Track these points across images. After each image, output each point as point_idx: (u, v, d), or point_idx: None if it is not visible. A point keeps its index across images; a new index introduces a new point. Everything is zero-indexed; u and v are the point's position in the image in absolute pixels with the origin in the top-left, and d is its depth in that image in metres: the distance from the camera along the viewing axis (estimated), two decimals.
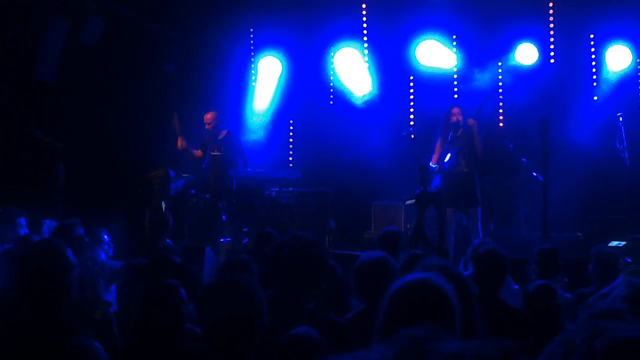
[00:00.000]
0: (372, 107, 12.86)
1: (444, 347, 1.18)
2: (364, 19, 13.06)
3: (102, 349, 3.17)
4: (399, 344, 1.21)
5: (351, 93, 13.10)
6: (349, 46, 13.06)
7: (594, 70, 12.55)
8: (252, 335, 3.08)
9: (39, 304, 3.52)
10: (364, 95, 12.93)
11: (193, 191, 10.62)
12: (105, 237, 7.24)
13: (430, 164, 9.85)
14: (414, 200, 8.18)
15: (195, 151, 11.06)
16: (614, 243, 9.01)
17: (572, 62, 12.56)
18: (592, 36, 12.52)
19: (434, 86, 12.60)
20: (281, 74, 13.32)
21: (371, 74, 12.98)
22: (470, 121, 9.68)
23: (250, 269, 5.03)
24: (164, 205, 9.14)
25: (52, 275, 3.56)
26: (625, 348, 1.21)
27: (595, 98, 12.42)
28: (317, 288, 4.05)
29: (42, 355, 3.32)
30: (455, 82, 12.78)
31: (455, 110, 9.81)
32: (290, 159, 13.44)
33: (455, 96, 12.58)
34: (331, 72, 13.31)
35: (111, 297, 6.56)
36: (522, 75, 12.36)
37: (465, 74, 12.54)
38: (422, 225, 8.05)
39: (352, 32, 13.01)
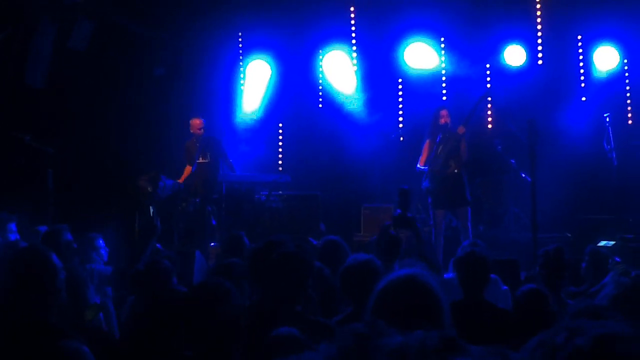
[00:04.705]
0: (361, 109, 12.88)
1: (387, 343, 1.18)
2: (353, 21, 13.07)
3: (90, 353, 3.17)
4: (343, 342, 1.21)
5: (340, 96, 13.12)
6: (337, 49, 13.08)
7: (581, 71, 12.60)
8: (231, 339, 3.09)
9: (26, 308, 3.53)
10: (353, 98, 12.95)
11: (181, 196, 10.58)
12: (100, 242, 7.24)
13: (418, 166, 9.89)
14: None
15: (185, 171, 10.96)
16: (604, 242, 9.05)
17: (560, 63, 12.62)
18: (579, 37, 12.58)
19: (423, 89, 12.63)
20: (270, 77, 13.32)
21: (359, 77, 13.01)
22: (460, 129, 9.69)
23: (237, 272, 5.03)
24: (152, 210, 9.14)
25: (39, 279, 3.57)
26: (609, 343, 1.21)
27: (583, 99, 12.48)
28: (303, 291, 4.07)
29: (26, 358, 3.33)
30: (444, 85, 12.81)
31: (444, 112, 9.85)
32: (280, 162, 13.42)
33: (444, 98, 12.62)
34: (320, 75, 13.32)
35: (100, 300, 6.57)
36: (510, 76, 12.41)
37: (453, 75, 12.61)
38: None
39: (340, 35, 13.01)
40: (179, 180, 10.69)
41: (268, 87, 13.29)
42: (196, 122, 10.86)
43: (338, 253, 6.05)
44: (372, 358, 1.16)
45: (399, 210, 5.44)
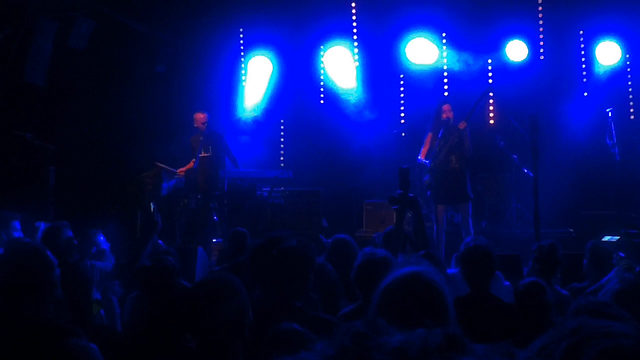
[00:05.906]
0: (362, 105, 12.86)
1: (387, 342, 1.12)
2: (354, 17, 13.06)
3: (98, 351, 3.15)
4: (341, 341, 1.14)
5: (342, 92, 13.10)
6: (338, 44, 13.06)
7: (583, 66, 12.59)
8: (239, 333, 3.08)
9: (23, 305, 3.52)
10: (354, 94, 12.94)
11: (183, 192, 10.56)
12: (101, 237, 7.22)
13: (419, 158, 9.87)
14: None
15: (189, 164, 10.90)
16: (607, 238, 9.00)
17: (562, 58, 12.60)
18: (581, 32, 12.57)
19: (424, 84, 12.61)
20: (271, 73, 13.30)
21: (361, 73, 12.99)
22: (462, 124, 9.66)
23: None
24: (152, 206, 9.14)
25: (32, 276, 3.57)
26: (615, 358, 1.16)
27: (585, 94, 12.46)
28: (304, 287, 4.04)
29: (34, 357, 3.31)
30: (446, 80, 12.79)
31: (446, 107, 9.81)
32: (282, 158, 13.43)
33: (446, 94, 12.60)
34: (321, 71, 13.30)
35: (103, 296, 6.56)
36: (512, 72, 12.39)
37: (454, 71, 12.60)
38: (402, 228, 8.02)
39: (341, 31, 13.01)
40: (178, 171, 10.63)
41: (269, 83, 13.27)
42: (200, 117, 10.76)
43: (347, 252, 6.03)
44: (372, 358, 1.11)
45: (400, 191, 5.39)
